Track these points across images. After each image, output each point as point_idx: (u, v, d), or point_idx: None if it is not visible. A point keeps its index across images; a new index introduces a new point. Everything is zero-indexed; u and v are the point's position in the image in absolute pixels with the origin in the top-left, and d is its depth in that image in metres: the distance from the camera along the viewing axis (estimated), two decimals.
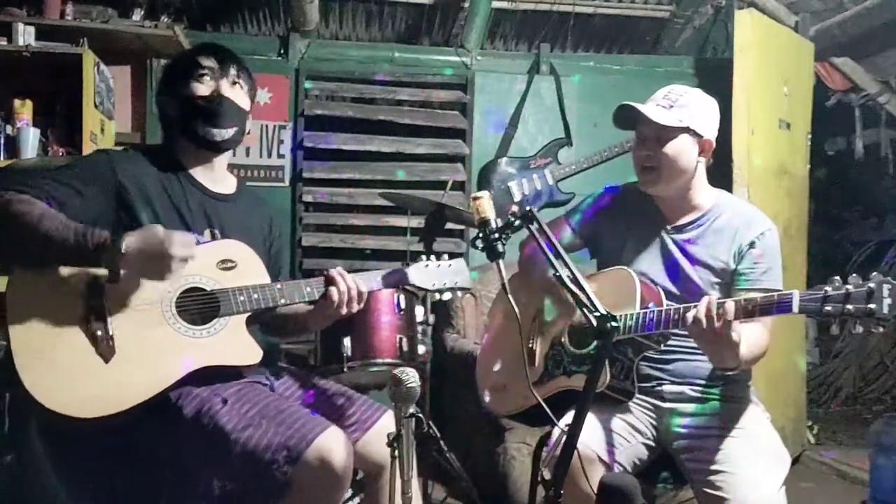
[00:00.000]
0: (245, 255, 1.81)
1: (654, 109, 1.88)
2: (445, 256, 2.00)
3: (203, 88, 1.83)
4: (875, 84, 4.51)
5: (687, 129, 1.88)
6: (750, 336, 1.74)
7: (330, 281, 1.82)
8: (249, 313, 1.75)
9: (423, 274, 1.96)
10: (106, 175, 1.71)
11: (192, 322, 1.69)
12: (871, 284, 1.51)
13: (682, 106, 1.89)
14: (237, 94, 1.88)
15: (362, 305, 1.86)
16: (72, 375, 1.55)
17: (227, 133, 1.86)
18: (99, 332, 1.59)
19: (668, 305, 1.80)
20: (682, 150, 1.89)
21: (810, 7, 4.16)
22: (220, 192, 1.91)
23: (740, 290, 1.86)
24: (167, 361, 1.63)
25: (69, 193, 1.64)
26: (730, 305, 1.62)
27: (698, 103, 1.92)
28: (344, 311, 1.82)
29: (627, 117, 1.94)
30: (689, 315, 1.67)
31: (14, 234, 1.56)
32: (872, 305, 1.49)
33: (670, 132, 1.88)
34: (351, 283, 1.82)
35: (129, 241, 1.55)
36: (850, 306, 1.51)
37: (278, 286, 1.79)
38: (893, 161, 4.98)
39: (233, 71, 1.87)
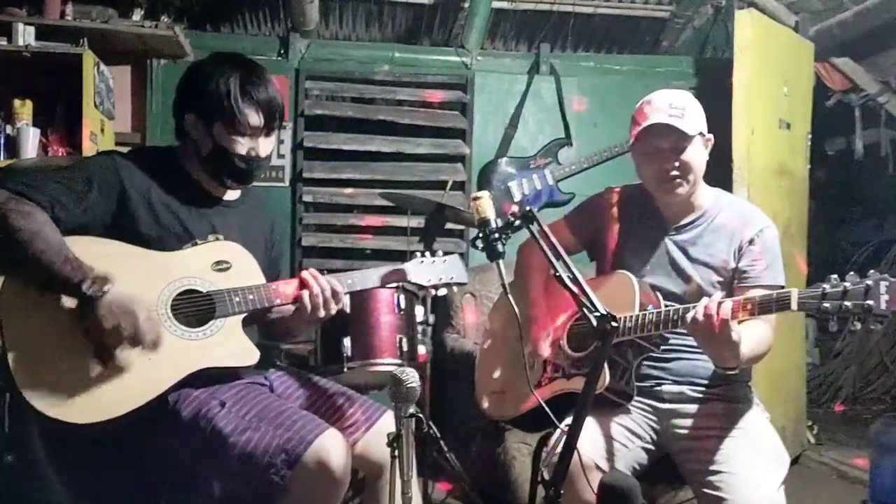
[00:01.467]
0: (239, 256, 1.80)
1: (677, 121, 1.86)
2: (440, 253, 2.00)
3: (241, 147, 1.79)
4: (875, 84, 4.50)
5: (699, 134, 1.90)
6: (752, 334, 1.74)
7: (302, 284, 1.78)
8: (245, 314, 1.74)
9: (420, 270, 1.96)
10: (111, 181, 1.70)
11: (187, 324, 1.68)
12: (869, 281, 1.52)
13: (690, 112, 1.89)
14: (269, 143, 1.85)
15: (341, 305, 1.82)
16: (68, 381, 1.54)
17: (249, 184, 1.89)
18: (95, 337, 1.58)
19: (667, 306, 1.80)
20: (698, 154, 1.91)
21: (810, 7, 4.16)
22: (224, 198, 1.90)
23: (743, 288, 1.86)
24: (164, 365, 1.62)
25: (74, 198, 1.63)
26: (727, 305, 1.62)
27: (694, 104, 1.93)
28: (321, 313, 1.77)
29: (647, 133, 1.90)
30: (688, 316, 1.67)
31: (6, 246, 1.52)
32: (870, 302, 1.50)
33: (687, 140, 1.88)
34: (324, 285, 1.77)
35: (112, 295, 1.53)
36: (847, 303, 1.52)
37: (273, 286, 1.78)
38: (893, 161, 4.97)
39: (274, 125, 1.83)
